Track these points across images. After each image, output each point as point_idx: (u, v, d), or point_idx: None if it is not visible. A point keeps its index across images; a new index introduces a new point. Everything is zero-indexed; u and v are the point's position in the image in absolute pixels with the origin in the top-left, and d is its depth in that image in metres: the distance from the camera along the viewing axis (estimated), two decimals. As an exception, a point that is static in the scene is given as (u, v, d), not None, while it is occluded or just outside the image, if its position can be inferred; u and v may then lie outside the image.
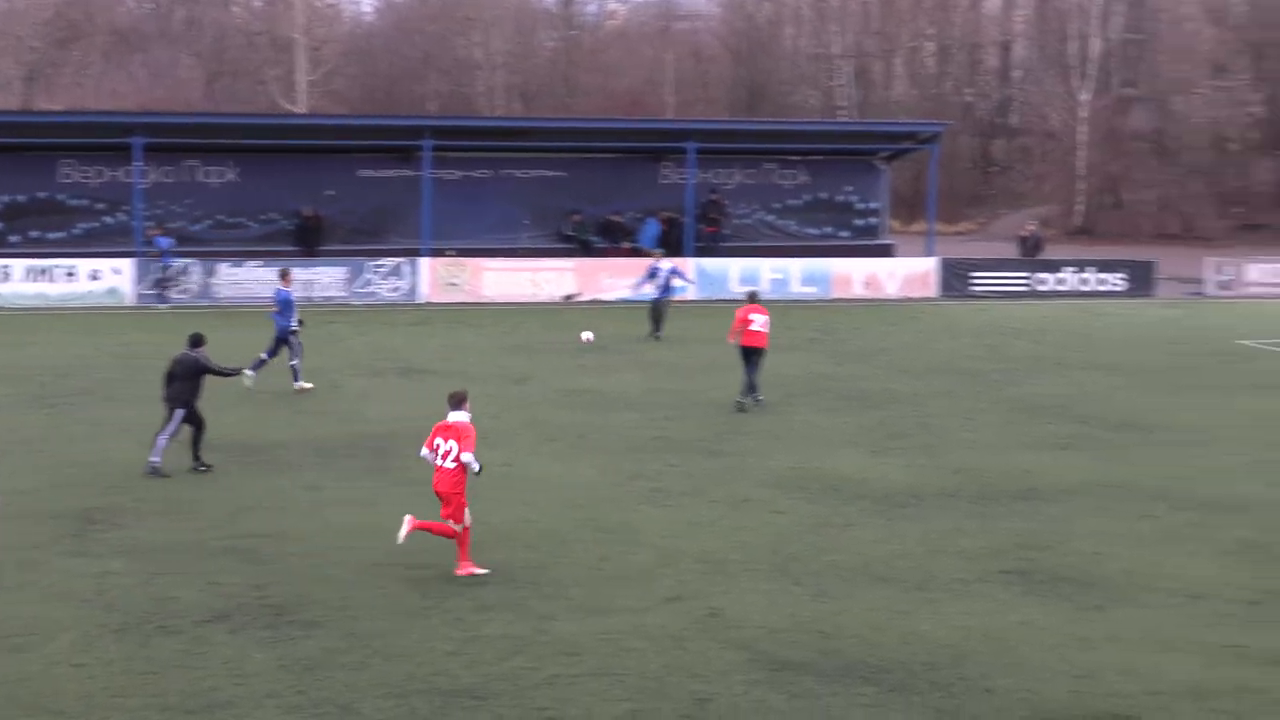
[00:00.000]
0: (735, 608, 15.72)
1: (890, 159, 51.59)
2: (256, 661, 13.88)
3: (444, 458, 16.23)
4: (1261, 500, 20.99)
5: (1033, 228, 53.17)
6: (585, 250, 45.77)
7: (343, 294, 42.79)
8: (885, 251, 48.76)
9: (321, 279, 42.73)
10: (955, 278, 45.98)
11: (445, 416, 16.51)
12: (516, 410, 26.39)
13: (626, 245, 46.31)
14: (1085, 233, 68.87)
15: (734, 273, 44.12)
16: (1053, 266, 47.51)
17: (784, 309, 38.51)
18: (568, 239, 46.44)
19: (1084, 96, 70.28)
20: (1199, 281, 48.85)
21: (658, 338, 35.78)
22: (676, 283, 37.08)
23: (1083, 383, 30.66)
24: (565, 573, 16.82)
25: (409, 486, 19.86)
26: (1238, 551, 18.36)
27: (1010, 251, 52.33)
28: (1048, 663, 14.34)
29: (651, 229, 46.39)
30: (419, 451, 16.82)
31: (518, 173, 46.98)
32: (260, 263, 42.01)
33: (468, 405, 16.61)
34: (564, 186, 46.93)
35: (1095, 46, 71.57)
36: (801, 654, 14.42)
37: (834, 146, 51.04)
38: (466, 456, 16.05)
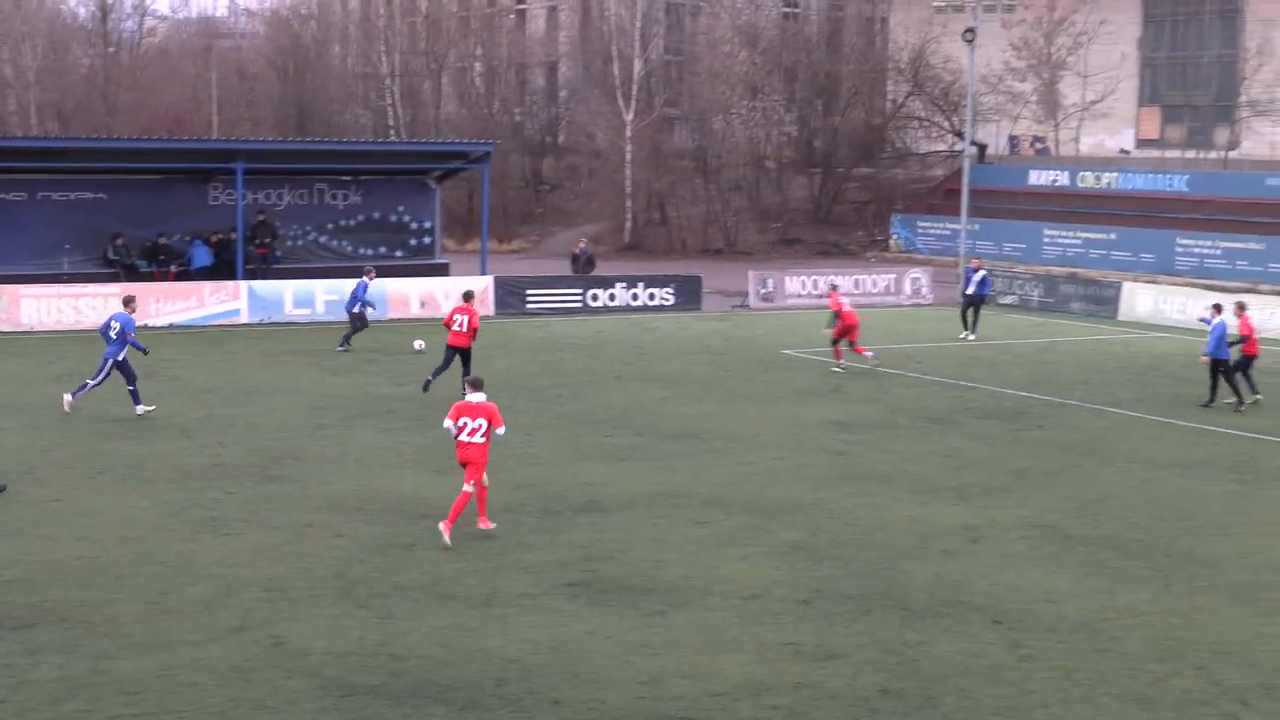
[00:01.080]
0: (301, 635, 15.43)
1: (442, 178, 51.67)
2: None
3: (471, 434, 19.34)
4: (807, 502, 21.95)
5: (584, 245, 54.19)
6: (130, 274, 44.14)
7: None
8: (440, 270, 48.79)
9: None
10: (511, 295, 46.42)
11: (465, 397, 19.61)
12: (66, 442, 25.24)
13: (174, 269, 44.91)
14: (635, 249, 70.62)
15: (288, 295, 43.35)
16: (605, 282, 48.50)
17: (340, 331, 38.08)
18: (111, 263, 44.68)
19: (629, 116, 72.11)
20: (743, 294, 50.73)
21: (347, 348, 37.01)
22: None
23: (638, 395, 31.40)
24: (123, 609, 16.18)
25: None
26: (788, 553, 19.13)
27: (564, 268, 53.20)
28: (614, 671, 14.60)
29: (200, 252, 45.16)
30: (444, 423, 19.56)
31: (56, 195, 44.90)
32: None
33: (484, 389, 19.96)
34: (106, 209, 45.09)
35: (637, 67, 73.56)
36: (370, 678, 14.26)
37: (386, 166, 50.79)
38: (500, 430, 19.55)
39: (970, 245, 58.18)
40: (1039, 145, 79.34)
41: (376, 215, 49.14)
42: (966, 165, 57.80)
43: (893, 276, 53.31)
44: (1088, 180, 68.22)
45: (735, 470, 24.14)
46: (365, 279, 38.51)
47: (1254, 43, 69.72)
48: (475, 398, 19.70)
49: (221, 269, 44.81)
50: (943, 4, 61.66)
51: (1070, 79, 75.12)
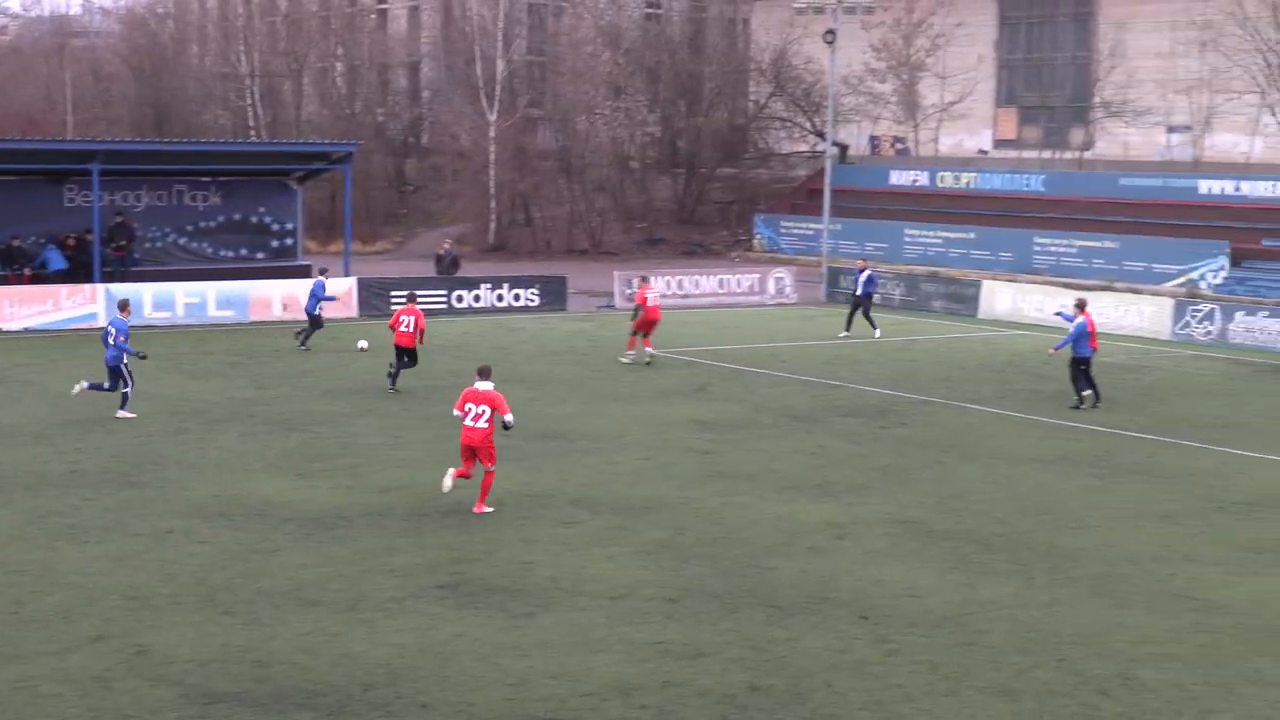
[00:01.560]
0: (164, 643, 15.19)
1: (304, 179, 51.15)
2: None
3: (475, 419, 20.65)
4: (671, 501, 22.02)
5: (449, 246, 53.94)
6: (-17, 277, 43.17)
7: None
8: (303, 272, 48.25)
9: None
10: (375, 297, 46.04)
11: (474, 384, 20.91)
12: (-87, 450, 24.64)
13: (28, 272, 43.98)
14: (500, 250, 70.38)
15: (148, 298, 42.57)
16: (470, 284, 48.26)
17: (201, 334, 37.63)
18: (-39, 267, 43.68)
19: (492, 116, 71.85)
20: (609, 295, 50.78)
21: (305, 348, 37.54)
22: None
23: (505, 395, 31.24)
24: (-24, 620, 15.82)
25: None
26: (655, 552, 19.18)
27: (428, 270, 52.88)
28: (482, 673, 14.55)
29: (53, 255, 44.28)
30: (452, 411, 21.09)
31: (-96, 198, 43.87)
32: None
33: (492, 377, 21.17)
34: (-43, 212, 44.14)
35: (500, 67, 73.29)
36: (235, 684, 14.08)
37: (246, 167, 50.15)
38: (508, 417, 20.73)
39: (833, 245, 58.75)
40: (899, 146, 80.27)
41: (237, 217, 48.52)
42: (829, 165, 58.35)
43: (757, 276, 53.66)
44: (947, 180, 69.15)
45: (601, 470, 24.16)
46: (320, 278, 39.36)
47: (1107, 45, 70.98)
48: (482, 386, 20.95)
49: (79, 272, 43.96)
50: (803, 5, 62.22)
51: (929, 80, 76.06)
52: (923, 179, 70.25)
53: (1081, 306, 31.94)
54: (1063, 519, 21.50)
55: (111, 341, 28.00)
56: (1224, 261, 53.77)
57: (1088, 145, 72.67)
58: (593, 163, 75.45)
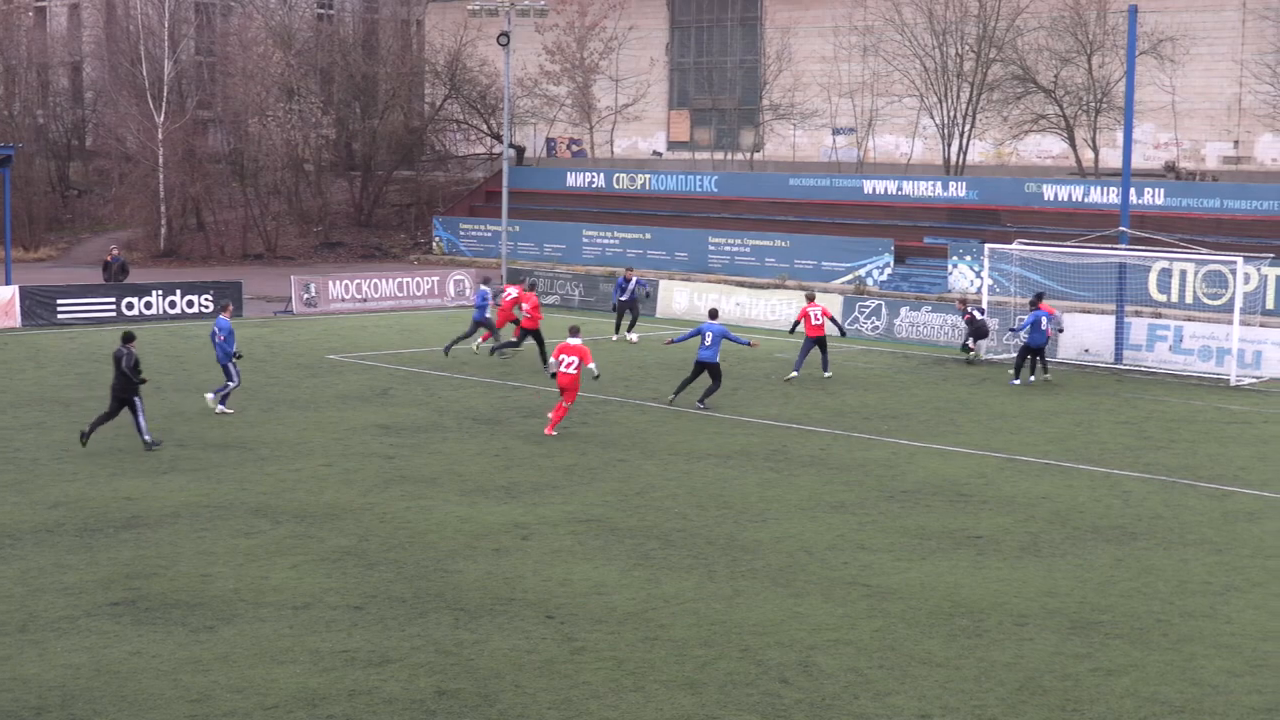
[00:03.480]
0: None
1: (-41, 183, 49.02)
2: None
3: (567, 366, 27.58)
4: (355, 507, 21.81)
5: (116, 252, 52.31)
6: None
7: None
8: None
9: None
10: (40, 306, 44.36)
11: (566, 340, 27.81)
12: None
13: None
14: (171, 255, 68.52)
15: None
16: (141, 290, 46.92)
17: None
18: None
19: (160, 118, 69.90)
20: (286, 300, 49.96)
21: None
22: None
23: (179, 405, 30.55)
24: None
25: None
26: (338, 559, 18.97)
27: (96, 277, 51.19)
28: (162, 690, 14.17)
29: None
30: (548, 360, 28.59)
31: None
32: None
33: (580, 335, 28.21)
34: None
35: (167, 68, 71.36)
36: (-105, 716, 13.41)
37: (-104, 171, 47.79)
38: (591, 365, 27.90)
39: (512, 247, 58.95)
40: (575, 148, 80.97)
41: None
42: (506, 167, 58.59)
43: (436, 279, 53.49)
44: (623, 182, 70.04)
45: (282, 478, 23.78)
46: (484, 288, 39.99)
47: (774, 49, 72.94)
48: (573, 340, 27.85)
49: None
50: (477, 8, 62.17)
51: (604, 83, 76.93)
52: (599, 180, 71.02)
53: (1039, 299, 36.23)
54: (742, 512, 22.00)
55: (217, 341, 29.98)
56: (889, 259, 55.76)
57: (758, 147, 74.54)
58: (266, 165, 74.10)
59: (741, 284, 52.54)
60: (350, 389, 33.24)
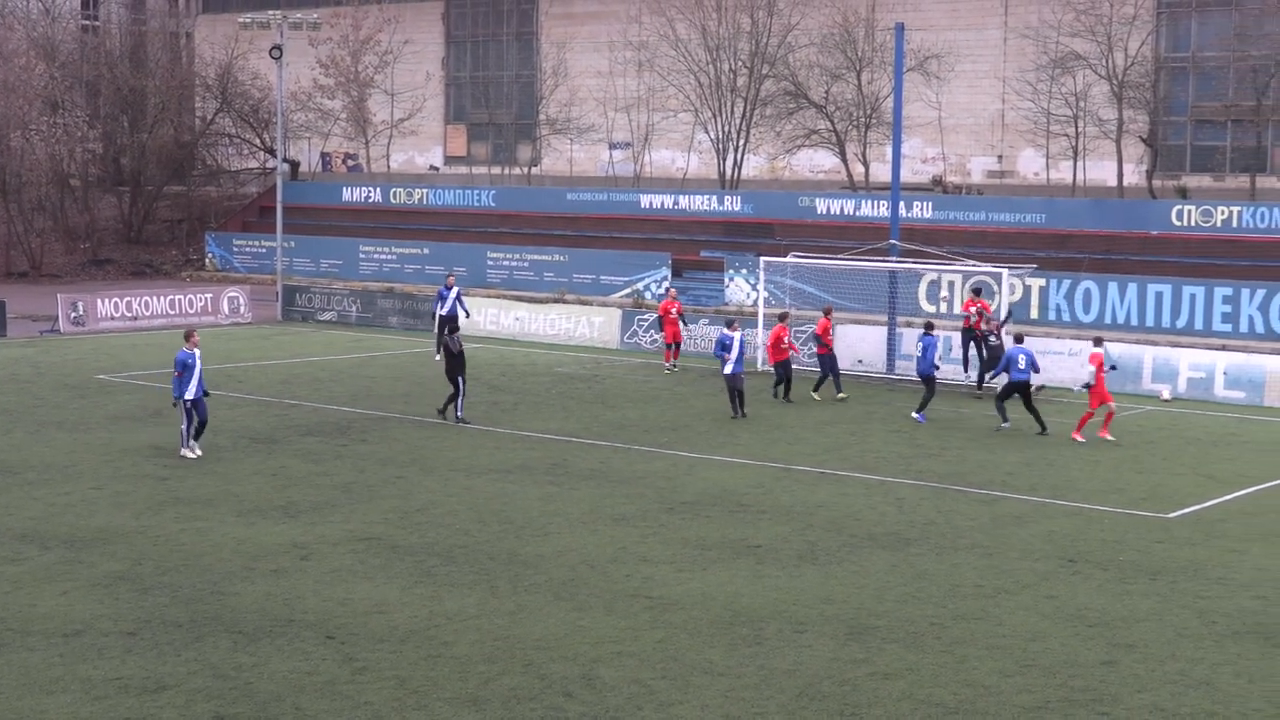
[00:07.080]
0: None
1: None
2: None
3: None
4: (129, 530, 21.30)
5: None
6: None
7: None
8: None
9: None
10: None
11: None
12: None
13: None
14: (-75, 273, 66.26)
15: None
16: (-104, 310, 45.23)
17: None
18: None
19: (-84, 132, 67.51)
20: (53, 319, 48.58)
21: None
22: None
23: (-62, 429, 29.51)
24: None
25: None
26: (110, 584, 18.50)
27: None
28: (-76, 725, 13.66)
29: None
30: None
31: None
32: None
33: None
34: None
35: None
36: None
37: None
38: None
39: (287, 263, 58.11)
40: (351, 162, 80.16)
41: None
42: (280, 183, 57.69)
43: (210, 296, 52.49)
44: (400, 196, 69.53)
45: (51, 502, 23.11)
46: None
47: (550, 64, 73.07)
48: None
49: None
50: (248, 20, 61.18)
51: (379, 97, 76.27)
52: (376, 195, 70.43)
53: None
54: (523, 527, 21.99)
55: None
56: (666, 272, 56.21)
57: (535, 161, 74.61)
58: (30, 180, 71.94)
59: (520, 299, 52.53)
60: (121, 409, 32.44)
